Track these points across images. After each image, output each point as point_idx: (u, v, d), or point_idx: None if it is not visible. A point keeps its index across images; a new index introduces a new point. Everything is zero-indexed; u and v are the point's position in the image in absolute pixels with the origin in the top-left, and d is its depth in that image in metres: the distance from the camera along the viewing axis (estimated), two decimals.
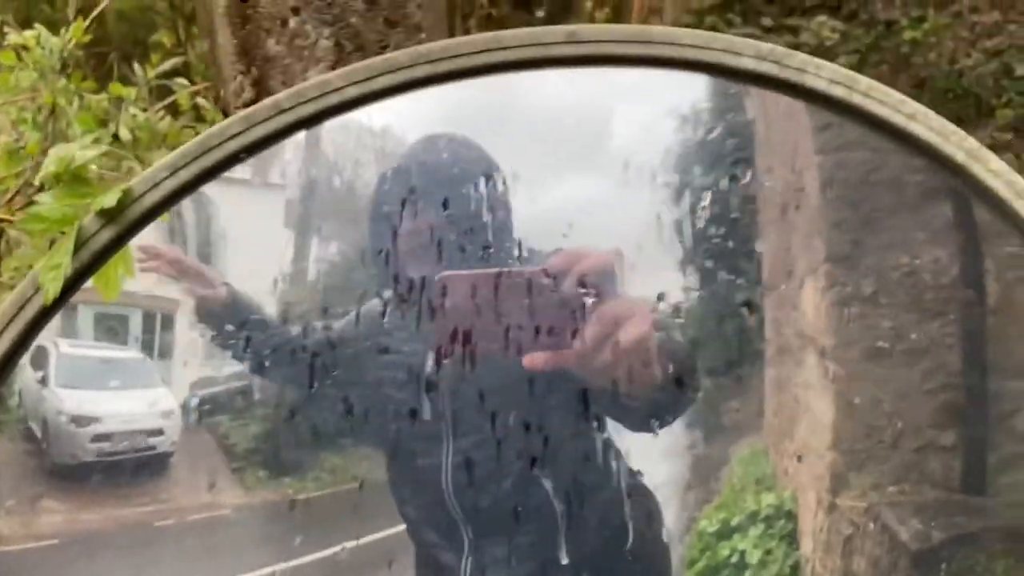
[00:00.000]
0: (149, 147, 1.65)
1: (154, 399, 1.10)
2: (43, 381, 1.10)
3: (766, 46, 0.92)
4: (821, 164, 1.04)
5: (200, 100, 1.83)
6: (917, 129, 0.92)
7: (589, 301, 0.91)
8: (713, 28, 5.94)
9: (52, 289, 0.90)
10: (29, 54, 1.64)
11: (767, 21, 6.08)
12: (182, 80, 1.84)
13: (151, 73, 1.76)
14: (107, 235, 0.94)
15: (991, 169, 0.91)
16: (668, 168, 1.02)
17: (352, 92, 0.95)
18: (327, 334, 1.00)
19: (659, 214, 1.00)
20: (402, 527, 1.03)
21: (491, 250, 0.97)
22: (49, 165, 0.91)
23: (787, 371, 1.06)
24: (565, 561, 0.98)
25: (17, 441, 1.08)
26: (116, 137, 1.61)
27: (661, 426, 0.98)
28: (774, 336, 1.04)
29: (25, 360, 1.04)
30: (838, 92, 0.93)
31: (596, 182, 1.02)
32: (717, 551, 1.05)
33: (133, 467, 1.07)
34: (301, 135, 1.00)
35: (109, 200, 0.92)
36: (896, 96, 0.92)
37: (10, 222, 1.59)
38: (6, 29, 1.74)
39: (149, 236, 1.00)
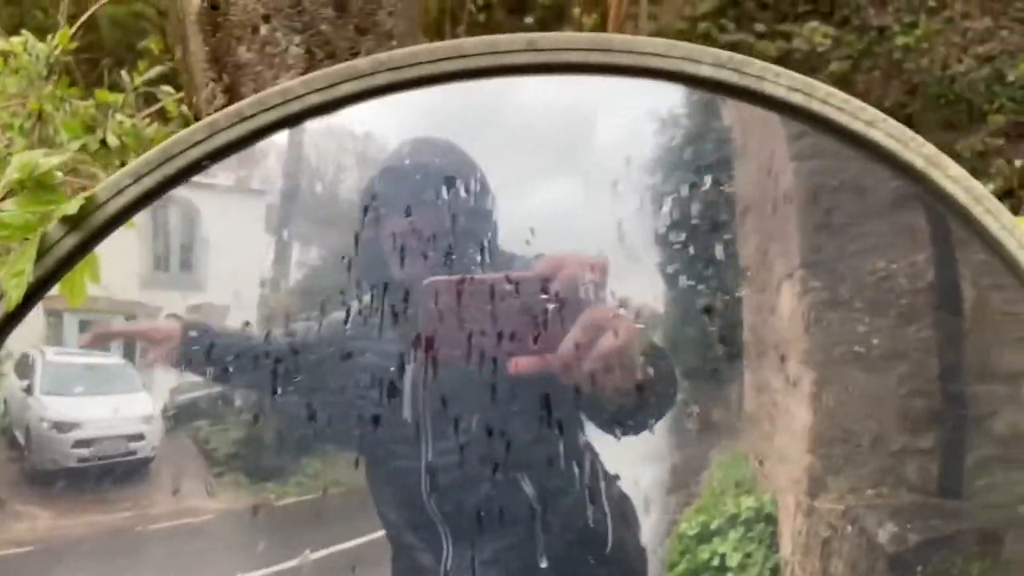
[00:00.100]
0: (137, 153, 1.65)
1: (135, 404, 1.10)
2: (28, 389, 1.10)
3: (725, 54, 0.92)
4: (797, 170, 1.05)
5: (185, 107, 1.84)
6: (876, 135, 0.92)
7: (575, 306, 0.92)
8: (706, 34, 5.98)
9: (15, 295, 0.91)
10: (16, 60, 1.65)
11: (760, 27, 6.11)
12: (167, 88, 1.85)
13: (138, 80, 1.77)
14: (71, 241, 0.94)
15: (950, 175, 0.92)
16: (646, 173, 1.03)
17: (314, 99, 0.95)
18: (296, 338, 1.01)
19: (635, 220, 1.01)
20: (380, 533, 1.04)
21: (482, 257, 0.97)
22: (12, 172, 0.91)
23: (765, 375, 1.06)
24: (544, 564, 0.98)
25: (0, 449, 1.08)
26: (104, 143, 1.61)
27: (641, 429, 0.99)
28: (752, 340, 1.05)
29: (10, 369, 1.05)
30: (797, 99, 0.93)
31: (574, 188, 1.02)
32: (697, 554, 1.05)
33: (114, 473, 1.08)
34: (284, 140, 1.01)
35: (72, 207, 0.92)
36: (855, 103, 0.92)
37: None
38: None
39: (132, 245, 1.01)
